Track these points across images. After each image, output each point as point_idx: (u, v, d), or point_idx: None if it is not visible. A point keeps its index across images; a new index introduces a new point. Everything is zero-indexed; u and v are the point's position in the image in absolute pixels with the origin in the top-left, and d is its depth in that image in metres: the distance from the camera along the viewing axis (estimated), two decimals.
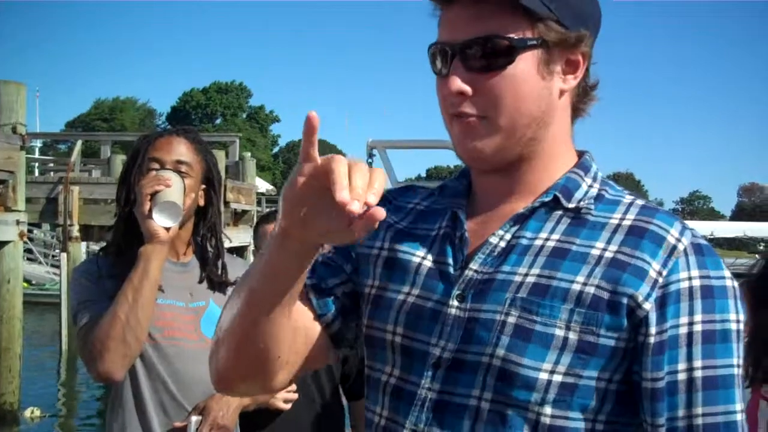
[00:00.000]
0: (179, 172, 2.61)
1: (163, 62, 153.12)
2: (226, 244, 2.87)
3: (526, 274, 1.32)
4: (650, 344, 1.27)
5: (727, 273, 1.32)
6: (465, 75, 1.32)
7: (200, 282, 2.73)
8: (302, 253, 1.24)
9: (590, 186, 1.41)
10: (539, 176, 1.41)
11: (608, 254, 1.30)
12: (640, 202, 1.39)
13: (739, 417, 1.28)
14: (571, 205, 1.37)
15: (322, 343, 1.47)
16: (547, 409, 1.28)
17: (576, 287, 1.28)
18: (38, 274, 27.83)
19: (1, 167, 10.60)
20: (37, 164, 28.66)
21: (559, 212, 1.37)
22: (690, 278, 1.29)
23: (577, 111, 1.44)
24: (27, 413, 11.71)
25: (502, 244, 1.37)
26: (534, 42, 1.32)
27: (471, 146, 1.35)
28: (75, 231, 16.12)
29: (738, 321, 1.30)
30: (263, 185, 34.65)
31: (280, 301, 1.29)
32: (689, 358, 1.27)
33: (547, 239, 1.35)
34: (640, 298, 1.26)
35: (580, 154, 1.47)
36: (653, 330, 1.26)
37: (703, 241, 1.33)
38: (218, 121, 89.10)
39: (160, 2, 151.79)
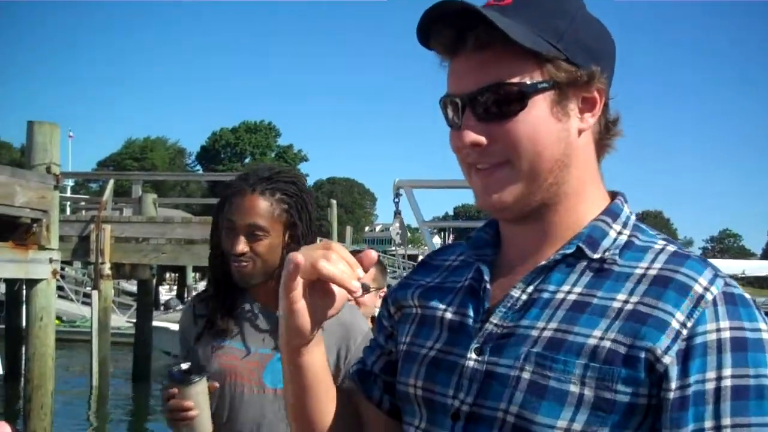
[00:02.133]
0: (254, 234, 2.58)
1: (193, 102, 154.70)
2: None
3: (544, 329, 1.28)
4: (670, 400, 1.19)
5: (764, 326, 1.23)
6: (478, 126, 1.30)
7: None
8: (312, 353, 1.37)
9: (619, 233, 1.35)
10: (566, 221, 1.36)
11: (629, 306, 1.25)
12: (671, 248, 1.32)
13: None
14: (596, 256, 1.32)
15: (387, 421, 1.53)
16: None
17: (592, 342, 1.23)
18: (69, 311, 28.02)
19: (34, 206, 10.73)
20: (69, 203, 28.94)
21: (584, 263, 1.33)
22: (719, 330, 1.20)
23: (602, 148, 1.40)
24: None
25: (524, 297, 1.33)
26: (545, 84, 1.28)
27: (493, 197, 1.33)
28: (106, 269, 16.26)
29: None
30: None
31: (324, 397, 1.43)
32: (717, 416, 1.17)
33: (568, 292, 1.31)
34: (659, 351, 1.20)
35: (613, 195, 1.43)
36: (673, 385, 1.19)
37: (737, 290, 1.25)
38: (247, 160, 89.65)
39: (191, 44, 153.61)
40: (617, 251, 1.33)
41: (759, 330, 1.22)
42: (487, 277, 1.39)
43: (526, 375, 1.26)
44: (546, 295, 1.32)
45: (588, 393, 1.22)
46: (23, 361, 12.01)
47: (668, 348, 1.20)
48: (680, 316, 1.21)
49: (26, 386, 11.41)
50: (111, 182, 19.87)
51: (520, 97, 1.27)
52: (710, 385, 1.18)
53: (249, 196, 2.58)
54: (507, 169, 1.31)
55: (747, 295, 1.26)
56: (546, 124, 1.29)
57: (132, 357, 19.82)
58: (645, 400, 1.21)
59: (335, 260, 1.24)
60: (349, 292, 1.24)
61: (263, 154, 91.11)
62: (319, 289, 1.29)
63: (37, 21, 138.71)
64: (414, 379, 1.42)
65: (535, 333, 1.29)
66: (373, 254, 1.29)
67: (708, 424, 1.18)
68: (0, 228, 10.34)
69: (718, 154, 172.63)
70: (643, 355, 1.20)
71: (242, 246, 2.57)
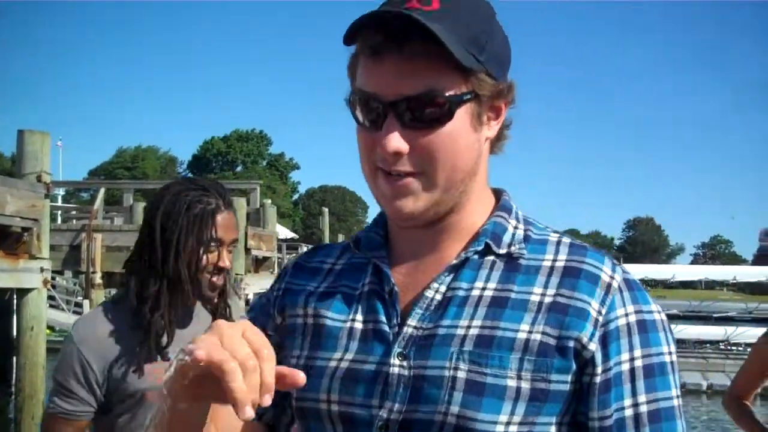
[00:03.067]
0: (230, 249, 2.69)
1: (184, 111, 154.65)
2: (247, 290, 2.89)
3: (469, 326, 1.29)
4: (596, 383, 1.27)
5: (655, 306, 1.34)
6: (401, 132, 1.27)
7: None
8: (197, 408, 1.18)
9: (516, 227, 1.39)
10: (465, 223, 1.38)
11: (548, 299, 1.30)
12: (566, 240, 1.39)
13: None
14: (502, 251, 1.35)
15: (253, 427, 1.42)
16: None
17: (522, 336, 1.27)
18: (60, 321, 27.93)
19: (25, 215, 10.70)
20: (60, 212, 28.90)
21: (491, 258, 1.35)
22: (626, 314, 1.30)
23: (493, 148, 1.41)
24: None
25: (438, 296, 1.33)
26: (468, 96, 1.28)
27: (403, 205, 1.31)
28: (98, 278, 16.24)
29: (671, 353, 1.32)
30: (284, 232, 34.76)
31: None
32: (633, 393, 1.28)
33: (484, 288, 1.32)
34: (585, 339, 1.26)
35: (497, 192, 1.45)
36: (599, 369, 1.27)
37: (632, 276, 1.35)
38: (239, 169, 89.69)
39: (180, 51, 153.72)
40: (523, 245, 1.37)
41: (652, 312, 1.33)
42: (393, 280, 1.36)
43: (461, 374, 1.25)
44: (461, 293, 1.32)
45: (525, 385, 1.25)
46: (14, 371, 11.95)
47: (592, 335, 1.27)
48: (595, 304, 1.28)
49: (17, 396, 11.38)
50: (102, 191, 19.87)
51: (449, 109, 1.26)
52: (626, 366, 1.28)
53: (228, 213, 2.68)
54: (421, 178, 1.30)
55: (637, 279, 1.36)
56: (464, 136, 1.30)
57: None
58: (572, 386, 1.27)
59: (251, 370, 1.04)
60: (236, 412, 1.02)
61: (255, 162, 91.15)
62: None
63: (27, 29, 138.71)
64: (326, 394, 1.33)
65: (460, 332, 1.29)
66: (300, 380, 1.10)
67: (627, 402, 1.27)
68: None
69: (709, 160, 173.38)
70: (572, 344, 1.26)
71: (229, 261, 2.67)
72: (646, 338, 1.30)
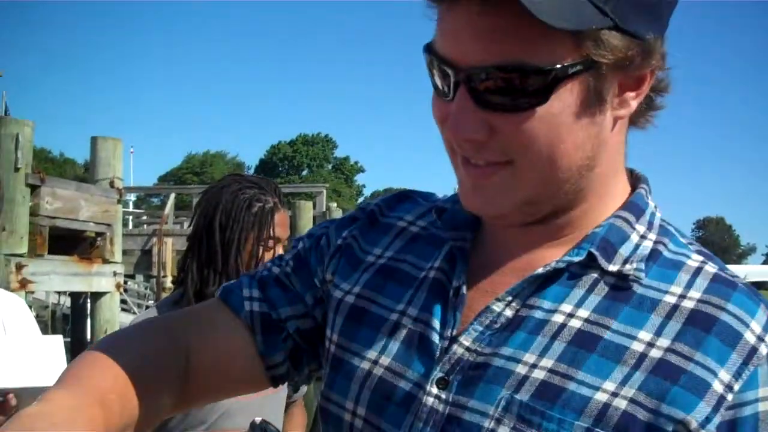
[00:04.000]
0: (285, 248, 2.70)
1: (251, 116, 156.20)
2: None
3: (534, 365, 0.94)
4: None
5: None
6: (477, 113, 0.93)
7: None
8: None
9: (643, 236, 1.01)
10: (578, 223, 1.03)
11: (655, 352, 0.92)
12: (711, 268, 0.99)
13: None
14: (612, 268, 0.98)
15: (258, 378, 1.19)
16: None
17: (600, 397, 0.90)
18: None
19: (99, 220, 10.93)
20: (131, 217, 29.39)
21: (595, 275, 0.98)
22: None
23: (636, 123, 1.05)
24: None
25: (508, 313, 0.98)
26: (579, 67, 0.90)
27: (483, 203, 1.00)
28: (168, 282, 16.47)
29: None
30: None
31: None
32: None
33: (570, 315, 0.96)
34: (694, 424, 0.88)
35: (633, 180, 1.09)
36: None
37: None
38: (305, 173, 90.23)
39: (247, 58, 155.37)
40: (642, 264, 0.98)
41: None
42: (464, 277, 1.04)
43: (503, 429, 0.93)
44: (539, 315, 0.97)
45: None
46: None
47: (707, 419, 0.88)
48: (725, 374, 0.89)
49: None
50: (172, 196, 20.16)
51: (543, 86, 0.90)
52: None
53: (283, 211, 2.73)
54: (508, 171, 0.96)
55: None
56: (572, 121, 0.93)
57: None
58: None
59: None
60: None
61: (320, 166, 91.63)
62: None
63: (95, 39, 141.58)
64: (353, 404, 1.06)
65: (521, 369, 0.94)
66: None
67: None
68: (65, 242, 10.54)
69: None
70: (671, 427, 0.88)
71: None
72: None
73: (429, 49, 0.97)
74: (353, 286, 1.14)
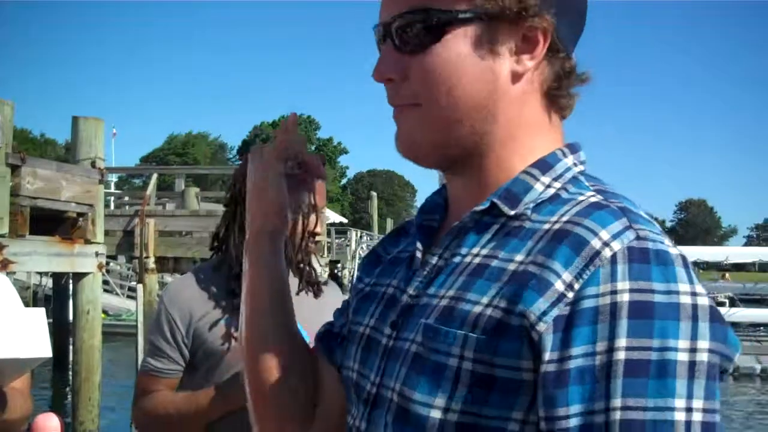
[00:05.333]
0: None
1: (233, 97, 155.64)
2: None
3: (442, 297, 1.11)
4: (543, 373, 0.98)
5: (687, 287, 0.97)
6: (394, 57, 1.15)
7: (297, 293, 2.68)
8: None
9: (548, 186, 1.14)
10: (495, 176, 1.17)
11: (521, 267, 1.05)
12: (594, 199, 1.09)
13: None
14: (512, 212, 1.12)
15: (341, 394, 1.34)
16: None
17: (477, 309, 1.05)
18: (114, 305, 28.39)
19: (80, 201, 10.89)
20: (113, 198, 29.30)
21: (502, 220, 1.13)
22: (615, 292, 0.97)
23: (555, 101, 1.19)
24: None
25: (439, 263, 1.17)
26: (467, 15, 1.10)
27: (402, 143, 1.18)
28: (151, 263, 16.43)
29: (695, 350, 0.95)
30: (333, 216, 34.86)
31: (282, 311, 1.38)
32: (605, 395, 0.94)
33: (476, 255, 1.12)
34: (533, 317, 0.99)
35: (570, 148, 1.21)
36: (548, 356, 0.97)
37: (655, 246, 1.00)
38: None
39: (230, 39, 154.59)
40: (531, 205, 1.12)
41: (677, 292, 0.96)
42: (419, 244, 1.22)
43: (413, 348, 1.11)
44: (457, 259, 1.14)
45: (466, 367, 1.03)
46: (70, 354, 12.19)
47: (544, 313, 0.99)
48: (567, 275, 0.99)
49: (74, 379, 11.63)
50: (154, 177, 20.07)
51: (437, 27, 1.10)
52: (599, 359, 0.95)
53: (321, 182, 2.71)
54: (416, 111, 1.15)
55: (672, 251, 1.01)
56: (465, 62, 1.11)
57: None
58: (530, 376, 1.00)
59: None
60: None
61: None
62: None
63: (79, 21, 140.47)
64: (352, 362, 1.27)
65: (434, 302, 1.12)
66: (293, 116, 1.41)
67: (597, 405, 0.94)
68: (46, 222, 10.49)
69: (762, 140, 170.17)
70: (517, 321, 1.00)
71: (320, 227, 2.74)
72: (644, 325, 0.95)
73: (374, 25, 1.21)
74: (371, 278, 1.36)
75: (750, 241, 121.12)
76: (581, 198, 1.10)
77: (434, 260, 1.18)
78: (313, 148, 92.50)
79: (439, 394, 1.05)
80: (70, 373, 12.88)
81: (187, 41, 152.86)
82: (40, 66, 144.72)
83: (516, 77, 1.14)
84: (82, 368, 11.36)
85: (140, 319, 17.14)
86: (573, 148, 1.20)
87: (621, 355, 0.94)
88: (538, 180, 1.15)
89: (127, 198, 30.70)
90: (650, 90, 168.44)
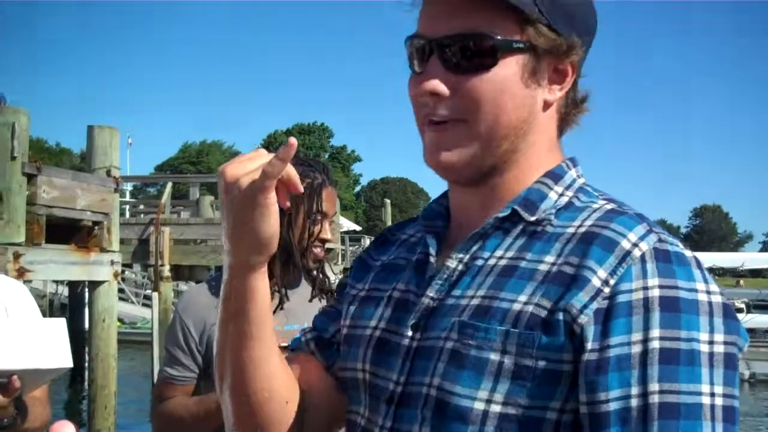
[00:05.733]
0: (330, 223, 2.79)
1: (247, 106, 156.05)
2: None
3: (473, 297, 1.20)
4: (585, 362, 1.08)
5: (703, 285, 1.11)
6: (443, 74, 1.21)
7: (310, 300, 2.76)
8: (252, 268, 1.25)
9: (561, 195, 1.26)
10: (513, 187, 1.27)
11: (555, 268, 1.16)
12: (609, 206, 1.22)
13: None
14: (532, 218, 1.23)
15: (334, 398, 1.40)
16: None
17: (516, 307, 1.14)
18: (130, 313, 28.48)
19: (96, 209, 10.92)
20: (128, 207, 29.41)
21: (521, 226, 1.24)
22: (646, 288, 1.09)
23: (565, 123, 1.32)
24: None
25: (460, 267, 1.25)
26: (521, 45, 1.20)
27: (442, 156, 1.24)
28: (166, 271, 16.49)
29: (712, 342, 1.08)
30: (347, 224, 34.91)
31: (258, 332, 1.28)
32: (643, 381, 1.06)
33: (501, 258, 1.22)
34: (575, 311, 1.10)
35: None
36: (590, 346, 1.08)
37: (674, 248, 1.14)
38: None
39: (244, 48, 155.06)
40: (553, 211, 1.24)
41: (695, 290, 1.10)
42: (432, 249, 1.30)
43: (449, 345, 1.18)
44: (479, 263, 1.23)
45: (508, 361, 1.12)
46: (86, 362, 12.23)
47: (585, 306, 1.10)
48: (602, 273, 1.11)
49: (90, 387, 11.64)
50: (169, 185, 20.13)
51: (493, 52, 1.19)
52: (636, 348, 1.07)
53: (331, 188, 2.81)
54: (462, 127, 1.22)
55: (687, 253, 1.14)
56: (513, 88, 1.21)
57: None
58: (570, 367, 1.10)
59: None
60: (295, 192, 1.23)
61: (317, 155, 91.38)
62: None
63: (91, 30, 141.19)
64: (362, 362, 1.31)
65: (463, 302, 1.20)
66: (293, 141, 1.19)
67: (634, 390, 1.06)
68: (62, 231, 10.53)
69: None
70: (561, 316, 1.11)
71: (330, 234, 2.80)
72: (673, 318, 1.07)
73: (409, 36, 1.27)
74: (365, 284, 1.42)
75: (766, 247, 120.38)
76: (596, 206, 1.23)
77: (454, 264, 1.26)
78: (326, 156, 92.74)
79: (481, 386, 1.13)
80: (86, 381, 12.91)
81: (201, 50, 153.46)
82: (55, 75, 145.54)
83: (546, 105, 1.26)
84: (97, 376, 11.38)
85: (155, 327, 17.21)
86: (574, 162, 1.32)
87: (656, 344, 1.07)
88: (552, 189, 1.26)
89: (142, 206, 30.90)
90: (665, 96, 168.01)
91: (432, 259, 1.30)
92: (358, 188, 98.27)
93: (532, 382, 1.12)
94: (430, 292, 1.26)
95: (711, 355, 1.07)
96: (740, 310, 27.46)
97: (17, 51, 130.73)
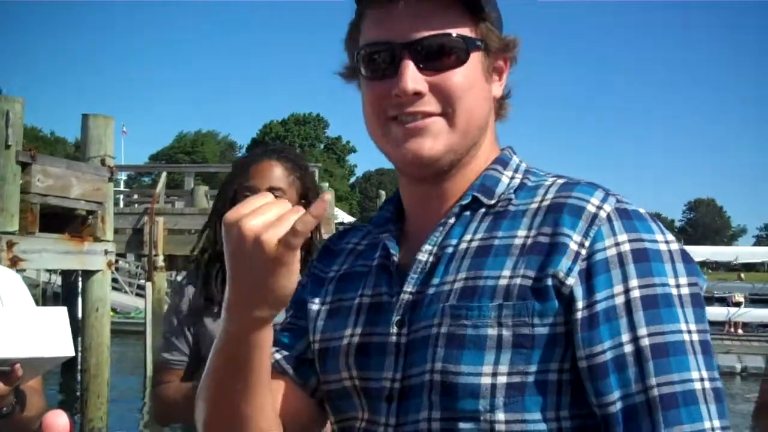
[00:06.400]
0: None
1: (243, 96, 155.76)
2: None
3: (454, 281, 1.25)
4: (578, 320, 1.18)
5: (661, 236, 1.24)
6: (417, 75, 1.26)
7: None
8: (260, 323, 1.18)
9: (512, 178, 1.35)
10: (468, 179, 1.35)
11: (530, 240, 1.24)
12: (561, 180, 1.32)
13: (698, 385, 1.15)
14: (492, 202, 1.32)
15: (314, 410, 1.41)
16: (500, 415, 1.19)
17: (503, 282, 1.22)
18: (123, 303, 28.45)
19: (90, 198, 10.90)
20: (122, 196, 29.37)
21: (482, 211, 1.32)
22: (618, 244, 1.21)
23: (498, 116, 1.40)
24: None
25: (431, 258, 1.31)
26: (479, 43, 1.29)
27: (421, 146, 1.27)
28: (160, 261, 16.47)
29: (679, 286, 1.20)
30: (341, 215, 34.88)
31: (254, 379, 1.23)
32: (632, 327, 1.17)
33: (470, 241, 1.29)
34: (561, 274, 1.19)
35: (500, 150, 1.41)
36: (580, 304, 1.18)
37: (631, 206, 1.26)
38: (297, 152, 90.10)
39: (239, 39, 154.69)
40: (512, 192, 1.33)
41: (656, 241, 1.23)
42: (393, 250, 1.35)
43: (443, 330, 1.22)
44: (450, 250, 1.30)
45: (506, 333, 1.19)
46: (79, 352, 12.23)
47: (570, 269, 1.19)
48: (577, 237, 1.21)
49: (83, 376, 11.65)
50: (164, 175, 20.15)
51: (465, 50, 1.28)
52: (620, 299, 1.18)
53: (267, 162, 2.77)
54: (442, 121, 1.28)
55: (642, 210, 1.27)
56: (479, 83, 1.31)
57: None
58: (563, 329, 1.19)
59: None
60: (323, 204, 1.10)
61: (312, 145, 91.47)
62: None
63: (87, 19, 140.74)
64: (346, 371, 1.34)
65: (446, 288, 1.26)
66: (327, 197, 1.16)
67: (625, 337, 1.17)
68: (56, 220, 10.52)
69: None
70: (549, 282, 1.19)
71: None
72: (645, 267, 1.19)
73: (361, 48, 1.31)
74: (324, 297, 1.44)
75: (759, 241, 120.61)
76: (548, 182, 1.33)
77: (425, 257, 1.31)
78: (321, 146, 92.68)
79: (485, 361, 1.19)
80: (79, 370, 12.91)
81: (196, 40, 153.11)
82: (50, 64, 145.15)
83: (493, 100, 1.36)
84: (90, 366, 11.38)
85: (149, 317, 17.22)
86: (513, 150, 1.42)
87: (636, 293, 1.18)
88: (503, 174, 1.36)
89: (136, 196, 30.83)
90: (660, 90, 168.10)
91: (396, 258, 1.35)
92: (353, 179, 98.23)
93: (532, 349, 1.19)
94: (408, 288, 1.30)
95: (680, 297, 1.20)
96: (739, 304, 27.50)
97: (12, 41, 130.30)
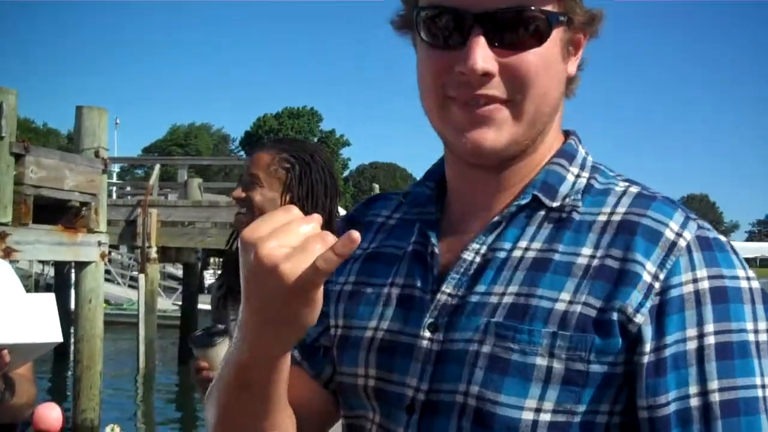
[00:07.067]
0: (251, 183, 2.76)
1: (236, 89, 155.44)
2: None
3: (503, 294, 1.11)
4: (644, 365, 1.04)
5: (742, 272, 1.08)
6: (488, 53, 1.09)
7: None
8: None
9: (578, 176, 1.19)
10: (530, 170, 1.19)
11: (596, 262, 1.09)
12: (634, 189, 1.16)
13: None
14: (555, 204, 1.15)
15: (330, 401, 1.30)
16: None
17: (560, 306, 1.07)
18: (116, 295, 28.44)
19: (83, 190, 10.90)
20: (115, 188, 29.31)
21: (542, 213, 1.16)
22: (696, 280, 1.06)
23: (566, 91, 1.22)
24: (107, 430, 11.96)
25: (478, 259, 1.15)
26: (563, 18, 1.12)
27: (485, 136, 1.12)
28: (153, 252, 16.48)
29: (757, 331, 1.06)
30: None
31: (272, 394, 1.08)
32: (702, 379, 1.03)
33: (527, 249, 1.13)
34: (630, 310, 1.05)
35: (566, 135, 1.25)
36: (648, 347, 1.04)
37: (712, 234, 1.10)
38: None
39: (234, 31, 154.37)
40: (578, 196, 1.16)
41: (737, 278, 1.08)
42: (434, 240, 1.20)
43: (485, 349, 1.09)
44: (502, 255, 1.14)
45: (557, 366, 1.05)
46: (72, 343, 12.24)
47: (640, 305, 1.05)
48: (651, 267, 1.06)
49: (76, 367, 11.66)
50: (157, 167, 20.11)
51: (546, 28, 1.10)
52: (691, 345, 1.04)
53: (259, 150, 2.81)
54: (508, 108, 1.12)
55: (723, 238, 1.12)
56: (556, 63, 1.14)
57: (177, 339, 20.08)
58: (621, 369, 1.06)
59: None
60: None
61: (306, 139, 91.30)
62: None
63: (79, 10, 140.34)
64: (364, 368, 1.21)
65: (493, 299, 1.11)
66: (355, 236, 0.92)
67: (693, 389, 1.04)
68: (49, 211, 10.51)
69: (764, 135, 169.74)
70: (615, 317, 1.05)
71: (238, 192, 2.76)
72: (723, 310, 1.05)
73: (425, 8, 1.13)
74: (347, 276, 1.29)
75: (752, 237, 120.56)
76: (619, 188, 1.17)
77: (471, 256, 1.16)
78: (315, 140, 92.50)
79: (529, 394, 1.06)
80: (72, 361, 12.91)
81: (190, 32, 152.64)
82: (43, 56, 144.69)
83: (567, 80, 1.19)
84: (83, 357, 11.38)
85: (141, 308, 17.24)
86: (578, 137, 1.25)
87: (711, 340, 1.04)
88: (568, 170, 1.19)
89: (129, 188, 30.77)
90: (651, 83, 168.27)
91: (437, 251, 1.19)
92: (346, 173, 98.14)
93: (584, 387, 1.06)
94: (447, 288, 1.15)
95: (758, 344, 1.05)
96: None
97: (5, 32, 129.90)
